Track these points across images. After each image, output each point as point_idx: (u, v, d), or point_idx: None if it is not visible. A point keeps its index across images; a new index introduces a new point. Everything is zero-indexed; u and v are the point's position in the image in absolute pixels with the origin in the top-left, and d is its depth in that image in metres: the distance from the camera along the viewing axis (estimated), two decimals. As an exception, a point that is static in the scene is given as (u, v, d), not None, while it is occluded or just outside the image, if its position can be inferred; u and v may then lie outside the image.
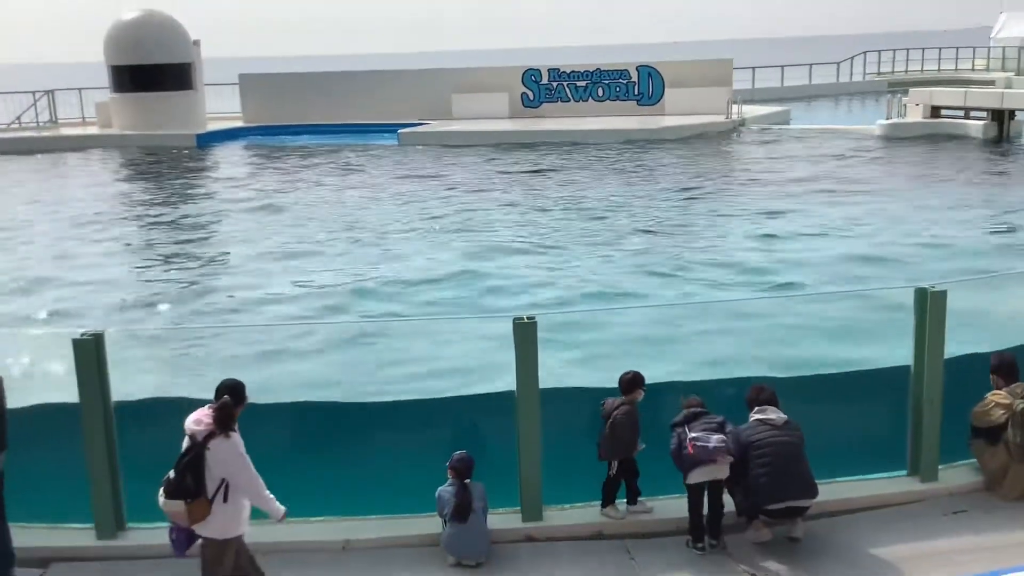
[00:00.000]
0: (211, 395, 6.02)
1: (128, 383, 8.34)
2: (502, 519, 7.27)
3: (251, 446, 7.70)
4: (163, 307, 14.32)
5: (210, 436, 5.74)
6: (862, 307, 11.70)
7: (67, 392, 7.09)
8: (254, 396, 7.30)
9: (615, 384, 7.33)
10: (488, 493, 7.01)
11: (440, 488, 6.98)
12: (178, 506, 5.71)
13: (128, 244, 19.32)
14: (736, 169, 26.55)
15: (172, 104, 36.82)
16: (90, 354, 6.92)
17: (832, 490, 7.38)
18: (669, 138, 31.75)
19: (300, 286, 15.11)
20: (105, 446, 7.01)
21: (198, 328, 12.69)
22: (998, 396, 7.46)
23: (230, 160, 32.11)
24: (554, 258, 16.41)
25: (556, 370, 8.98)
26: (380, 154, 31.30)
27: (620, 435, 7.15)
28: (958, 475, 7.78)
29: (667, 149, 29.79)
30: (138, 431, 7.60)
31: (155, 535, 7.21)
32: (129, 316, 13.84)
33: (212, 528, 5.84)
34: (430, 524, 7.16)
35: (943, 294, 7.49)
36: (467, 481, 6.91)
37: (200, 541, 5.94)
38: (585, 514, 7.43)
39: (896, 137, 30.01)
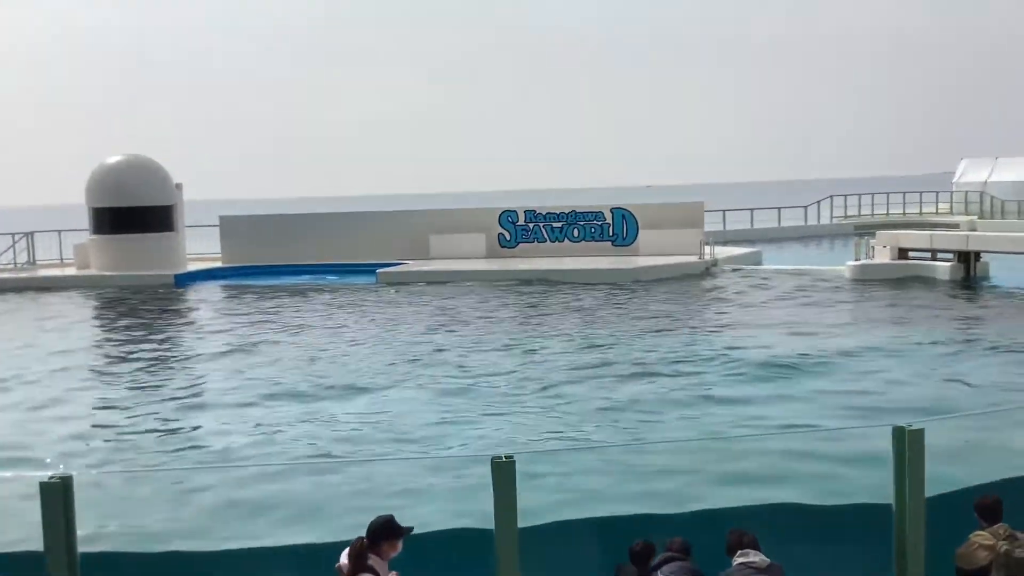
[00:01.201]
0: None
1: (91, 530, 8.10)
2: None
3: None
4: (128, 450, 14.04)
5: (353, 574, 5.60)
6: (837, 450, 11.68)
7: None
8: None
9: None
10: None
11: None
12: None
13: (97, 384, 19.08)
14: (710, 310, 26.89)
15: (152, 245, 37.17)
16: (57, 498, 6.72)
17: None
18: (643, 279, 32.24)
19: (270, 430, 14.89)
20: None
21: (169, 471, 12.44)
22: (981, 537, 7.37)
23: (206, 299, 32.20)
24: (523, 399, 16.31)
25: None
26: (358, 293, 31.50)
27: None
28: (947, 620, 7.60)
29: (642, 288, 30.21)
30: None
31: None
32: (92, 459, 13.54)
33: None
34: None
35: (920, 432, 7.49)
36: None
37: None
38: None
39: (865, 279, 30.60)
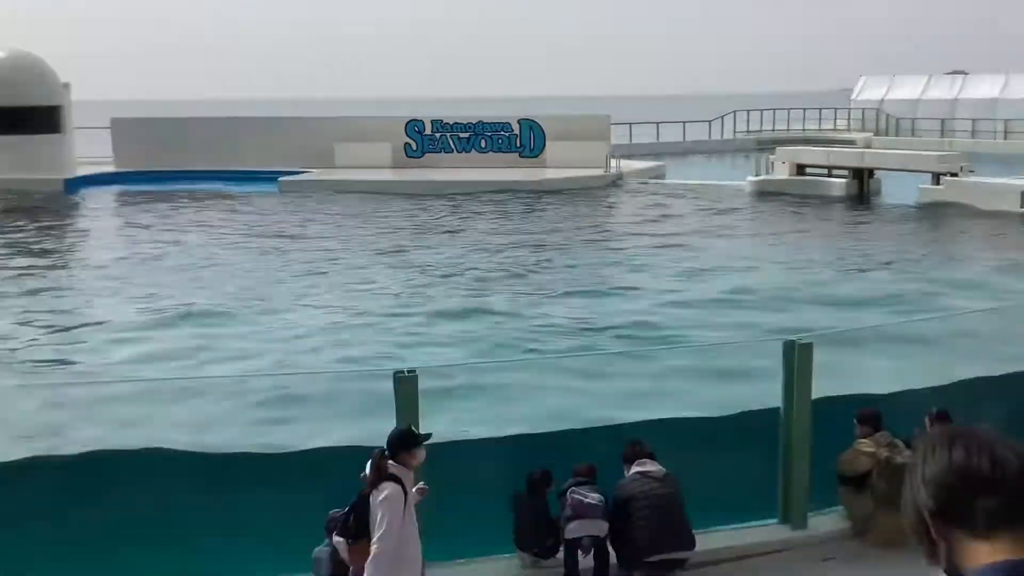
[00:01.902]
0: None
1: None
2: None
3: (110, 502, 7.40)
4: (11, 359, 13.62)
5: (375, 482, 5.71)
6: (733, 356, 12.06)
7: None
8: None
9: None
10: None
11: (317, 549, 6.78)
12: (341, 544, 6.05)
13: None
14: (611, 220, 27.18)
15: (38, 148, 35.33)
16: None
17: (708, 540, 7.52)
18: (548, 189, 32.29)
19: (166, 345, 14.59)
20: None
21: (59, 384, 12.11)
22: (863, 445, 7.77)
23: (101, 206, 31.01)
24: (422, 311, 16.30)
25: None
26: (259, 202, 30.75)
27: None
28: (827, 522, 8.04)
29: (547, 201, 30.30)
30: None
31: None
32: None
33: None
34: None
35: (809, 346, 7.80)
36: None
37: None
38: (468, 570, 7.35)
39: (764, 192, 31.29)
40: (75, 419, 10.76)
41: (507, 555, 7.48)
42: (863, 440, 7.82)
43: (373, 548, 5.72)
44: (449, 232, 24.87)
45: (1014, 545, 1.73)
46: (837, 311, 15.54)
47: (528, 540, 7.33)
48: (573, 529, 6.91)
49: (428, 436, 6.01)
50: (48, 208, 29.84)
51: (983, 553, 1.74)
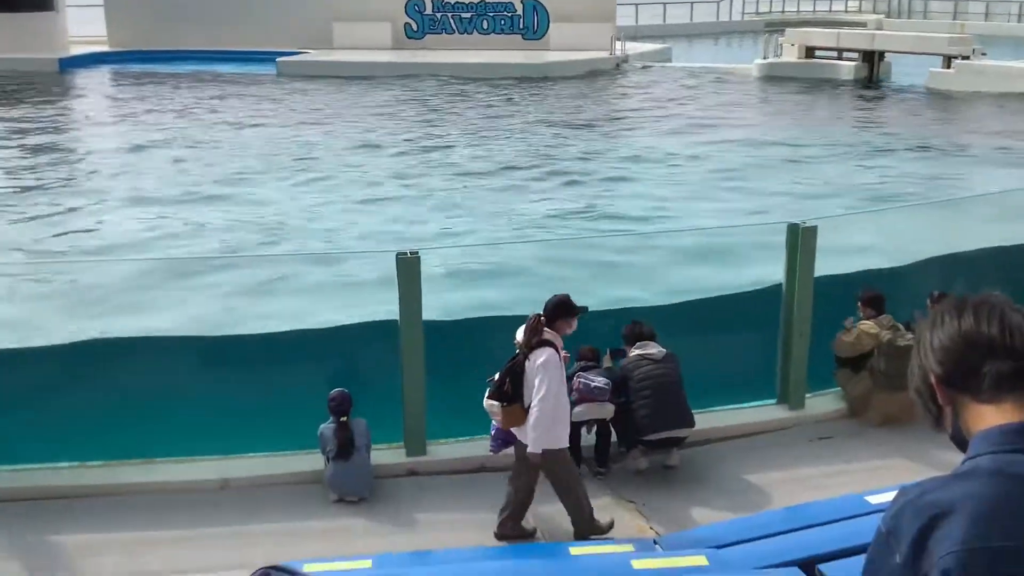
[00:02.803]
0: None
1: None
2: (386, 455, 7.25)
3: (124, 382, 7.48)
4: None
5: (531, 348, 5.81)
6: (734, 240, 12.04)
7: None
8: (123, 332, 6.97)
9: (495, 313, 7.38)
10: (373, 427, 6.96)
11: (322, 426, 6.89)
12: (495, 407, 6.03)
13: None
14: (617, 106, 26.75)
15: (29, 25, 34.52)
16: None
17: (707, 419, 7.63)
18: (552, 74, 31.67)
19: (167, 228, 14.53)
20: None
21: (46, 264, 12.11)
22: (866, 326, 7.80)
23: (95, 87, 30.49)
24: (427, 195, 16.20)
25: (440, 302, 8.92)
26: (257, 85, 30.22)
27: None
28: (824, 403, 8.16)
29: (549, 84, 29.75)
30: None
31: (18, 477, 6.93)
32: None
33: (525, 435, 5.94)
34: (312, 461, 7.08)
35: (813, 230, 7.75)
36: (345, 419, 6.83)
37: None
38: (469, 448, 7.48)
39: (772, 76, 30.69)
40: (71, 301, 10.81)
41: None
42: (866, 322, 7.85)
43: (534, 410, 5.87)
44: (445, 116, 24.49)
45: (1020, 409, 1.73)
46: (842, 199, 15.42)
47: None
48: (580, 413, 6.99)
49: (585, 309, 6.10)
50: (42, 89, 29.32)
51: (989, 417, 1.74)
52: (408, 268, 7.02)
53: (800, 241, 7.72)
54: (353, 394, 6.91)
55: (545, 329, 5.95)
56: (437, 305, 7.61)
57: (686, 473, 7.11)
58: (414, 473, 7.21)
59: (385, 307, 7.58)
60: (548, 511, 6.58)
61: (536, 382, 5.85)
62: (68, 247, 13.43)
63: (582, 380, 7.00)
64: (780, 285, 7.90)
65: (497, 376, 6.07)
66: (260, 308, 10.58)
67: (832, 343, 7.89)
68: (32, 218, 14.94)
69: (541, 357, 5.86)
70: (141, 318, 10.05)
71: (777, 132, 22.12)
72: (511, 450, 6.31)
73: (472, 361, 7.55)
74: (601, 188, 16.68)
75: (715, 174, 17.59)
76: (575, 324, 6.10)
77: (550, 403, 5.88)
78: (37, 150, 20.34)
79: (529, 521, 6.34)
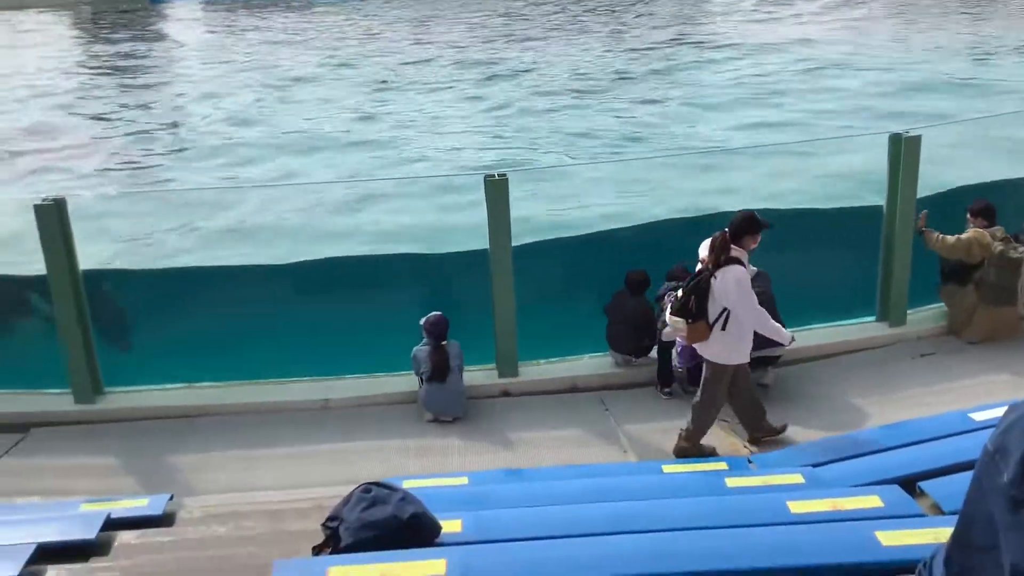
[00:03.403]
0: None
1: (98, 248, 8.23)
2: (478, 376, 7.36)
3: (230, 307, 7.72)
4: (123, 172, 14.03)
5: (718, 265, 5.81)
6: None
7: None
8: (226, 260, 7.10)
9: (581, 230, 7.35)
10: (465, 350, 7.06)
11: (415, 348, 7.01)
12: (679, 323, 5.97)
13: (99, 108, 18.72)
14: (718, 11, 25.89)
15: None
16: (52, 220, 6.78)
17: (803, 337, 7.48)
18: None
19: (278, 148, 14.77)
20: (76, 311, 6.96)
21: (160, 192, 12.47)
22: (978, 234, 7.46)
23: (190, 16, 30.89)
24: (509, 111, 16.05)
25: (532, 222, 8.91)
26: (349, 9, 30.16)
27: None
28: (925, 319, 7.92)
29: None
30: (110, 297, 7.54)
31: (132, 398, 7.28)
32: (93, 182, 13.54)
33: (711, 351, 6.01)
34: (407, 382, 7.24)
35: (917, 139, 7.44)
36: (443, 343, 6.93)
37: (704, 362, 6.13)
38: (560, 368, 7.53)
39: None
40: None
41: (600, 353, 7.62)
42: (978, 230, 7.53)
43: (750, 316, 5.82)
44: (531, 35, 24.09)
45: None
46: (964, 99, 14.72)
47: (621, 340, 7.43)
48: (671, 332, 6.95)
49: (769, 224, 5.99)
50: (137, 16, 29.87)
51: None
52: (496, 190, 7.01)
53: (903, 151, 7.43)
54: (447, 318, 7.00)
55: (732, 246, 5.86)
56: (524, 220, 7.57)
57: (781, 391, 7.03)
58: (506, 393, 7.31)
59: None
60: (639, 429, 6.61)
61: (734, 298, 5.78)
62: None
63: (673, 297, 6.94)
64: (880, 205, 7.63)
65: (679, 292, 6.00)
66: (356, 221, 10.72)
67: (934, 245, 7.49)
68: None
69: (733, 273, 5.77)
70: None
71: (902, 36, 21.13)
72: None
73: (563, 282, 7.56)
74: (698, 103, 16.26)
75: (832, 78, 16.96)
76: (759, 240, 5.98)
77: (751, 319, 5.85)
78: (136, 79, 20.78)
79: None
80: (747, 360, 6.12)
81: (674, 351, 7.11)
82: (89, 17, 31.04)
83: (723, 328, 5.88)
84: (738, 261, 5.82)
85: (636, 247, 7.70)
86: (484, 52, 21.21)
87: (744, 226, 5.89)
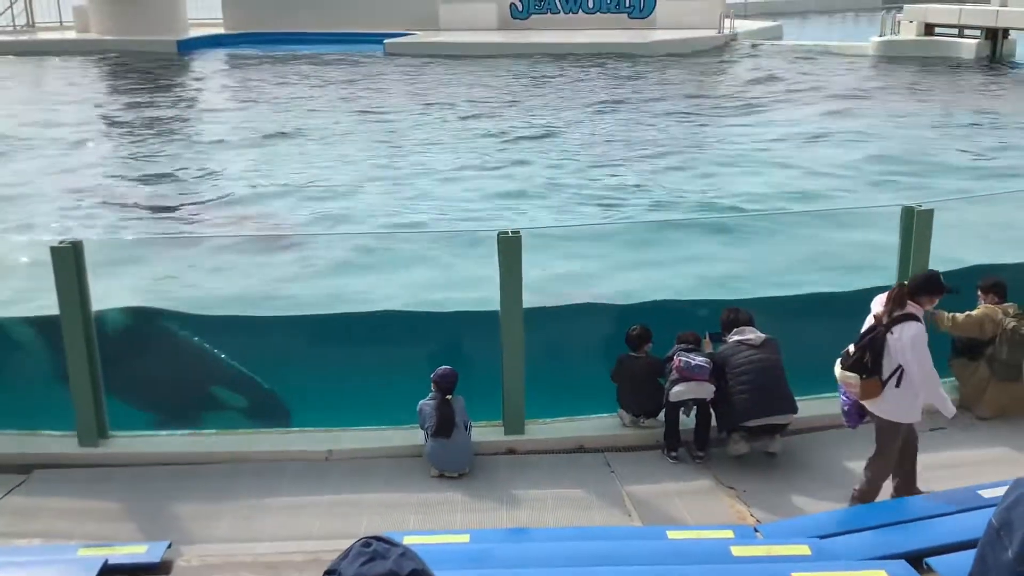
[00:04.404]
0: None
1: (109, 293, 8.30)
2: (485, 432, 7.33)
3: (239, 355, 7.76)
4: (139, 219, 14.18)
5: (893, 321, 5.72)
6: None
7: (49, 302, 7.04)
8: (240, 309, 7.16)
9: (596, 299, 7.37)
10: (471, 407, 7.04)
11: (421, 402, 7.00)
12: (852, 379, 5.82)
13: (112, 156, 18.99)
14: (729, 88, 26.21)
15: (151, 8, 35.81)
16: (68, 262, 6.84)
17: (811, 407, 7.45)
18: (658, 53, 31.21)
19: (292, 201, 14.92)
20: (86, 355, 6.99)
21: (173, 237, 12.58)
22: (990, 310, 7.47)
23: (216, 69, 31.45)
24: (525, 176, 16.20)
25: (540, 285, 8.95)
26: (368, 65, 30.69)
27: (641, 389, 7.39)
28: (937, 393, 7.85)
29: (655, 64, 29.33)
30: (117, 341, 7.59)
31: (136, 443, 7.26)
32: (104, 223, 13.68)
33: (882, 408, 5.87)
34: (412, 436, 7.21)
35: (929, 213, 7.47)
36: (449, 396, 6.93)
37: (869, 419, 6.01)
38: (566, 428, 7.50)
39: (889, 56, 29.59)
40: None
41: (607, 414, 7.60)
42: (989, 306, 7.53)
43: (923, 376, 5.68)
44: (553, 98, 24.42)
45: None
46: (961, 180, 14.81)
47: (629, 400, 7.42)
48: (679, 392, 6.94)
49: (952, 289, 5.96)
50: (165, 70, 30.41)
51: None
52: (509, 247, 7.05)
53: (916, 224, 7.46)
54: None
55: (908, 302, 5.80)
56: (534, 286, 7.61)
57: (788, 460, 6.98)
58: (512, 451, 7.27)
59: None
60: (644, 492, 6.55)
61: (908, 357, 5.67)
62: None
63: (683, 359, 6.95)
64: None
65: (852, 348, 5.88)
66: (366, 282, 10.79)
67: (946, 325, 7.51)
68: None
69: (913, 331, 5.69)
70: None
71: (893, 116, 21.33)
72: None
73: (571, 345, 7.57)
74: (705, 173, 16.38)
75: (833, 158, 17.11)
76: (936, 302, 5.96)
77: (922, 379, 5.74)
78: (164, 131, 21.10)
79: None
80: (919, 419, 6.01)
81: (683, 412, 7.07)
82: (116, 64, 31.61)
83: (896, 385, 5.76)
84: (915, 317, 5.73)
85: (646, 315, 7.75)
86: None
87: (925, 285, 5.86)
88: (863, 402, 5.92)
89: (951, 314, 7.42)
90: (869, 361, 5.74)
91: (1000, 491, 4.96)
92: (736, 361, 6.96)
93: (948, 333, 7.54)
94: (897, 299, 5.76)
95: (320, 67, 30.37)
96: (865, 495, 6.06)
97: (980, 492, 5.25)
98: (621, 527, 6.09)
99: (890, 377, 5.76)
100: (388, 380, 7.73)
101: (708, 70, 29.23)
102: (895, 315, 5.72)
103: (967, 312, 7.47)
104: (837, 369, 5.94)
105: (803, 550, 4.72)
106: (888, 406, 5.84)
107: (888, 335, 5.72)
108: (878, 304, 5.89)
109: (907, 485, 6.18)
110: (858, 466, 6.78)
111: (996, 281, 7.63)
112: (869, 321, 5.89)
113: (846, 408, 6.13)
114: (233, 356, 7.89)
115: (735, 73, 28.72)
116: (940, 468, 6.67)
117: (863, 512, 5.69)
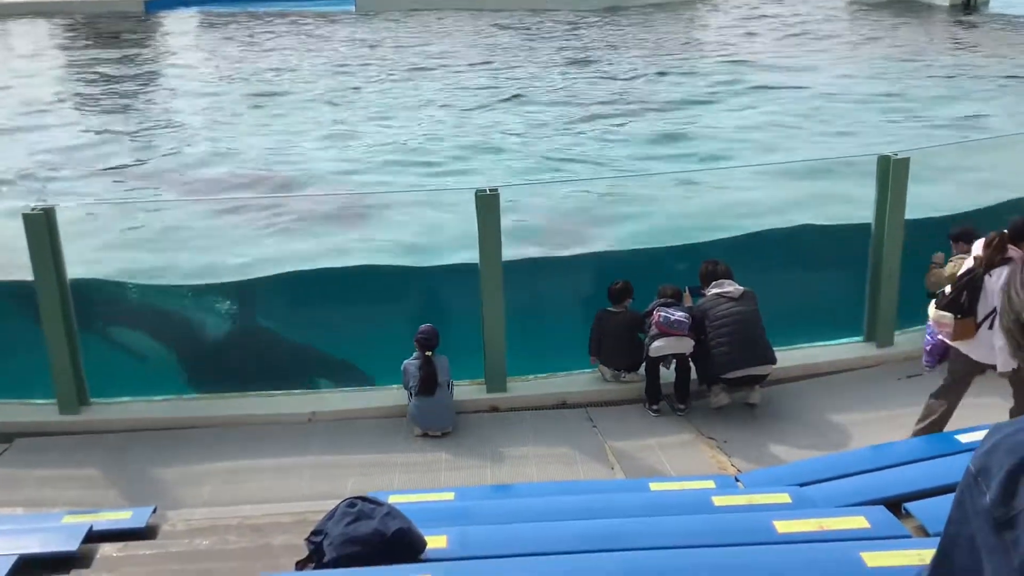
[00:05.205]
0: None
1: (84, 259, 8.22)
2: (467, 391, 7.35)
3: (222, 320, 7.70)
4: (117, 180, 13.99)
5: (992, 264, 5.72)
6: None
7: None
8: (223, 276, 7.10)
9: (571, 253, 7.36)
10: (454, 366, 7.05)
11: (405, 361, 7.00)
12: (947, 318, 5.84)
13: (83, 118, 18.68)
14: (698, 39, 26.06)
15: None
16: (41, 229, 6.75)
17: (790, 356, 7.52)
18: (627, 4, 30.94)
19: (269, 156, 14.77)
20: (63, 322, 6.92)
21: (149, 202, 12.44)
22: (963, 261, 7.50)
23: (184, 28, 30.91)
24: (504, 132, 16.11)
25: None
26: (338, 22, 30.25)
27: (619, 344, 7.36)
28: (913, 340, 7.93)
29: (624, 15, 29.10)
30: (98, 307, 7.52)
31: (117, 410, 7.23)
32: (82, 190, 13.49)
33: (970, 347, 5.87)
34: (395, 396, 7.22)
35: (905, 162, 7.49)
36: (430, 354, 6.93)
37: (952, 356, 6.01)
38: (548, 384, 7.53)
39: (863, 3, 29.48)
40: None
41: (589, 370, 7.63)
42: (961, 257, 7.57)
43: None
44: (532, 50, 24.21)
45: None
46: (933, 129, 14.85)
47: (610, 355, 7.44)
48: (659, 347, 6.97)
49: None
50: (132, 32, 29.85)
51: None
52: (488, 205, 7.02)
53: (892, 173, 7.47)
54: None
55: (1009, 246, 5.79)
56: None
57: (768, 411, 7.04)
58: (495, 409, 7.30)
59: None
60: (625, 446, 6.60)
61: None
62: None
63: (662, 313, 6.96)
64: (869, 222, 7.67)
65: (948, 288, 5.92)
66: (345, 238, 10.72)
67: (925, 278, 7.60)
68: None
69: (1004, 276, 5.59)
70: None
71: (872, 63, 21.29)
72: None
73: (551, 298, 7.57)
74: (681, 121, 16.34)
75: (806, 104, 17.08)
76: None
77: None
78: (129, 92, 20.77)
79: None
80: (999, 365, 5.95)
81: (663, 365, 7.10)
82: (83, 24, 30.96)
83: (990, 327, 5.77)
84: (1012, 260, 5.73)
85: (625, 267, 7.74)
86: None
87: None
88: (953, 343, 5.96)
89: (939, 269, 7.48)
90: (966, 302, 5.79)
91: (978, 436, 5.03)
92: (715, 314, 7.00)
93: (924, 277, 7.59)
94: (998, 244, 5.78)
95: (290, 25, 29.93)
96: (927, 429, 6.11)
97: (958, 437, 5.32)
98: (604, 480, 6.14)
99: (984, 319, 5.80)
100: (373, 339, 7.71)
101: (677, 21, 29.01)
102: (995, 259, 5.76)
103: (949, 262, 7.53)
104: (931, 309, 6.00)
105: (783, 498, 4.77)
106: (977, 346, 5.87)
107: (986, 277, 5.77)
108: (978, 247, 5.91)
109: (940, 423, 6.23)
110: (837, 415, 6.88)
111: (964, 229, 7.66)
112: (968, 263, 5.93)
113: (928, 348, 6.25)
114: (215, 320, 7.84)
115: (704, 24, 28.54)
116: (917, 414, 6.73)
117: (842, 459, 5.75)
